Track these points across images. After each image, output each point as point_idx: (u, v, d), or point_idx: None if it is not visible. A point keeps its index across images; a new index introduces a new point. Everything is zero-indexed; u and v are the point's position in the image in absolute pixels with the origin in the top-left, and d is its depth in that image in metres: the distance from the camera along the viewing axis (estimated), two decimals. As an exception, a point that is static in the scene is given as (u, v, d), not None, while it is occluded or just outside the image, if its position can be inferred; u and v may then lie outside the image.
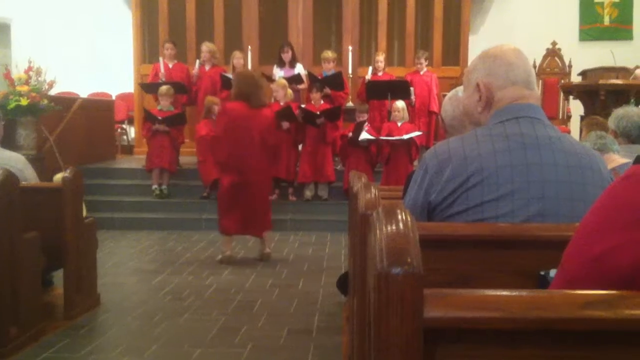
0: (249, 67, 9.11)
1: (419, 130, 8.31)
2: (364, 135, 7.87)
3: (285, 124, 7.97)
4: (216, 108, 7.93)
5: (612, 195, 1.13)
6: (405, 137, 7.73)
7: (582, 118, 7.72)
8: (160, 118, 8.20)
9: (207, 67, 9.03)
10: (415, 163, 8.09)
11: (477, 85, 1.98)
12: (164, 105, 8.34)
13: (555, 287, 1.19)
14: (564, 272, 1.18)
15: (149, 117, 8.42)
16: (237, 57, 8.93)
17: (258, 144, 6.02)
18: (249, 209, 6.08)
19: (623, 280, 1.05)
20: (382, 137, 7.86)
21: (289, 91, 8.26)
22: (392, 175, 7.79)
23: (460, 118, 2.47)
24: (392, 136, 7.83)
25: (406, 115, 8.07)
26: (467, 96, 2.06)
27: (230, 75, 8.57)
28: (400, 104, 8.06)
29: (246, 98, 5.99)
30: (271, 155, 6.31)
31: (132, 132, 11.46)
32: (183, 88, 8.92)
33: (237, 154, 5.99)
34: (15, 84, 7.41)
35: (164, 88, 8.35)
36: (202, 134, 8.06)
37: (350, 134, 7.99)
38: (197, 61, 9.14)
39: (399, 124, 7.94)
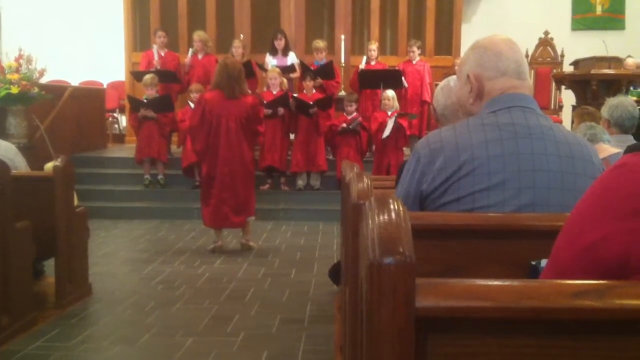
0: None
1: (408, 119, 8.33)
2: (355, 122, 7.93)
3: (280, 110, 7.96)
4: (192, 95, 8.10)
5: (602, 185, 1.13)
6: (391, 123, 7.72)
7: (574, 108, 7.75)
8: (145, 101, 8.15)
9: (199, 56, 8.99)
10: (406, 151, 8.11)
11: (468, 76, 1.98)
12: (149, 94, 8.27)
13: (546, 277, 1.19)
14: (554, 262, 1.19)
15: (133, 103, 8.35)
16: (236, 46, 8.89)
17: (235, 132, 6.00)
18: (227, 200, 6.07)
19: (613, 270, 1.05)
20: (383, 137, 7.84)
21: (284, 80, 8.24)
22: (383, 163, 7.81)
23: (452, 108, 2.48)
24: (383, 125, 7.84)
25: (396, 104, 8.07)
26: (460, 87, 2.06)
27: None
28: (390, 92, 8.06)
29: (222, 87, 6.00)
30: (252, 143, 6.27)
31: (123, 120, 11.40)
32: (175, 77, 8.88)
33: (213, 143, 6.00)
34: (6, 72, 7.36)
35: (148, 77, 8.27)
36: (179, 118, 8.34)
37: (344, 125, 8.00)
38: (190, 50, 9.09)
39: (389, 113, 7.93)
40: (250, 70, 8.51)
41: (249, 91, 6.44)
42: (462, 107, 2.07)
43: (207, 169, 6.10)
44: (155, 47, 9.10)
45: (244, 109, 6.04)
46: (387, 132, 7.70)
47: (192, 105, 8.19)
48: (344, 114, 8.19)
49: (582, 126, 4.12)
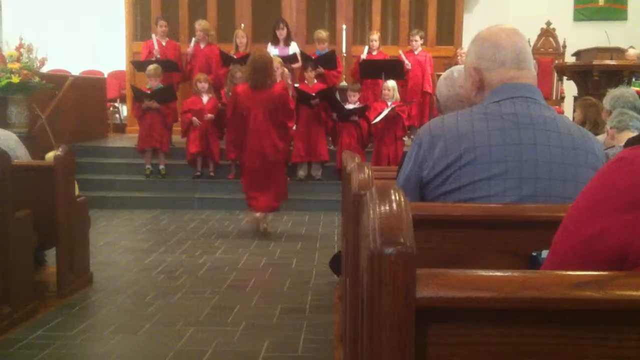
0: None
1: (409, 111, 8.32)
2: (350, 105, 7.92)
3: None
4: (199, 85, 8.11)
5: (602, 178, 1.13)
6: (386, 111, 7.73)
7: (576, 98, 7.74)
8: (148, 92, 8.15)
9: (202, 46, 8.97)
10: (406, 140, 8.11)
11: (469, 69, 1.98)
12: (152, 84, 8.26)
13: (546, 268, 1.19)
14: (554, 254, 1.19)
15: (136, 94, 8.35)
16: (240, 36, 8.87)
17: (262, 122, 6.19)
18: (258, 187, 6.30)
19: (612, 263, 1.06)
20: (374, 122, 7.83)
21: (285, 70, 8.22)
22: (383, 153, 7.82)
23: (455, 98, 2.47)
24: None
25: (396, 94, 8.04)
26: (464, 80, 2.07)
27: (231, 54, 8.62)
28: (390, 83, 8.02)
29: (249, 79, 6.26)
30: (282, 134, 6.43)
31: (124, 110, 11.39)
32: (175, 66, 8.86)
33: (243, 133, 6.25)
34: (7, 61, 7.34)
35: (151, 68, 8.26)
36: (183, 109, 8.28)
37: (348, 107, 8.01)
38: (193, 39, 9.06)
39: (389, 104, 7.92)
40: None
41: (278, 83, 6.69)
42: (467, 99, 2.07)
43: (241, 157, 6.45)
44: (154, 37, 9.07)
45: (271, 99, 6.21)
46: (377, 119, 7.73)
47: (202, 95, 8.16)
48: (347, 103, 8.16)
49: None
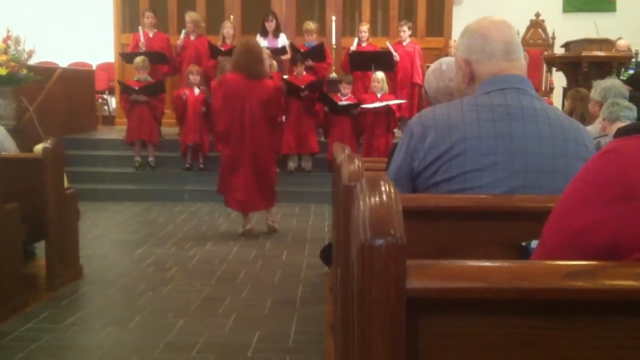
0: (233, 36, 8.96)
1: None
2: (345, 102, 7.91)
3: None
4: (191, 77, 8.05)
5: (592, 170, 1.14)
6: (382, 103, 7.75)
7: (565, 90, 7.77)
8: (137, 88, 8.11)
9: (192, 37, 8.92)
10: (397, 132, 8.12)
11: (459, 61, 1.98)
12: (140, 76, 8.23)
13: (536, 258, 1.20)
14: (544, 244, 1.19)
15: (124, 89, 8.31)
16: (227, 27, 8.83)
17: (258, 115, 5.91)
18: (251, 182, 5.99)
19: (602, 254, 1.06)
20: (364, 106, 7.84)
21: (274, 63, 8.18)
22: (373, 145, 7.83)
23: (445, 91, 2.48)
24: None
25: (385, 86, 8.06)
26: (455, 72, 2.07)
27: (218, 45, 8.56)
28: (379, 74, 8.04)
29: (243, 69, 5.88)
30: (273, 126, 6.16)
31: (113, 102, 11.32)
32: (164, 58, 8.81)
33: (236, 125, 5.91)
34: (-6, 53, 7.29)
35: (139, 60, 8.22)
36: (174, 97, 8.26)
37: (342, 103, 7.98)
38: (183, 31, 9.01)
39: (379, 95, 7.93)
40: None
41: (269, 74, 6.46)
42: (459, 91, 2.08)
43: (230, 151, 5.99)
44: (141, 29, 9.02)
45: (266, 92, 5.94)
46: (369, 106, 7.76)
47: (194, 87, 8.10)
48: (339, 94, 8.15)
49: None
